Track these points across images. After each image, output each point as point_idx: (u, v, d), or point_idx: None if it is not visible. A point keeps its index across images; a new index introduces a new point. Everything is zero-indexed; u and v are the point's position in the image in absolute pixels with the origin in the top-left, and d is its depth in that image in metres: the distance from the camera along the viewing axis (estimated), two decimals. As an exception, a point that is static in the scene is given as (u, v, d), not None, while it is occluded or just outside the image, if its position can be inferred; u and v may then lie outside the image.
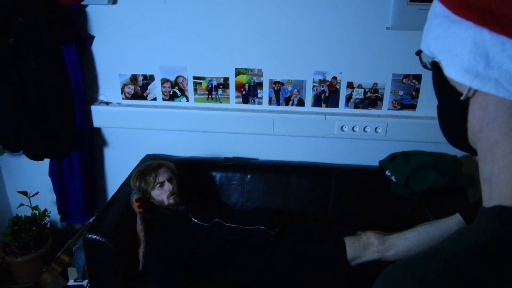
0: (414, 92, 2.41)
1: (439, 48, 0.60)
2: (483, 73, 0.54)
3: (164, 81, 2.56)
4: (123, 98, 2.64)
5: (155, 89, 2.59)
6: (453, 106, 0.61)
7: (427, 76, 2.36)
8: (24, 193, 2.72)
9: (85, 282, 2.57)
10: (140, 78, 2.57)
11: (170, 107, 2.59)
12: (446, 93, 0.62)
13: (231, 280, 2.00)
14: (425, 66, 0.68)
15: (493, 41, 0.52)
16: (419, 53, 0.68)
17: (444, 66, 0.59)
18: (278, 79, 2.47)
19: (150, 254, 2.08)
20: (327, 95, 2.47)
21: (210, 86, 2.54)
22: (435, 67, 0.63)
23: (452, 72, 0.58)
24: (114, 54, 2.53)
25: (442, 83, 0.62)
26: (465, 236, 0.53)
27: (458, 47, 0.56)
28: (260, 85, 2.49)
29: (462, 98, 0.58)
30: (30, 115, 2.39)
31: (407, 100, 2.43)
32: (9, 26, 2.26)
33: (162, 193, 2.21)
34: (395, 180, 2.36)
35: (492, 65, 0.53)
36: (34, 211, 2.73)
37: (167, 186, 2.21)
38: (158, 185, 2.21)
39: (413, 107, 2.44)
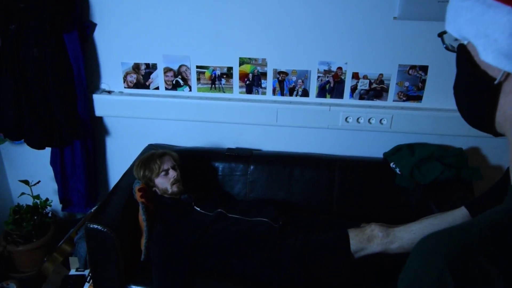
0: (420, 84, 2.38)
1: (473, 33, 0.59)
2: None
3: (167, 70, 2.54)
4: (125, 87, 2.61)
5: (158, 78, 2.57)
6: (483, 89, 0.60)
7: (434, 67, 2.33)
8: (26, 182, 2.71)
9: (86, 272, 2.56)
10: (143, 67, 2.55)
11: (173, 97, 2.57)
12: (476, 77, 0.61)
13: (234, 270, 1.99)
14: (447, 48, 0.67)
15: None
16: (442, 34, 0.67)
17: (481, 51, 0.58)
18: (283, 69, 2.44)
19: (153, 243, 2.07)
20: (332, 86, 2.44)
21: (213, 75, 2.51)
22: (463, 50, 0.62)
23: (489, 57, 0.57)
24: (117, 42, 2.50)
25: (472, 67, 0.61)
26: (500, 208, 0.54)
27: (497, 32, 0.55)
28: (264, 75, 2.47)
29: (496, 82, 0.58)
30: (31, 103, 2.37)
31: (413, 92, 2.40)
32: (11, 12, 2.23)
33: (166, 181, 2.22)
34: (399, 172, 2.34)
35: None
36: (36, 200, 2.72)
37: (172, 173, 2.22)
38: (163, 172, 2.22)
39: (419, 98, 2.41)
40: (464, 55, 0.63)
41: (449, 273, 0.48)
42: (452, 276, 0.47)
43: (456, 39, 0.65)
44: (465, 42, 0.62)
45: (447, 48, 0.67)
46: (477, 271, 0.47)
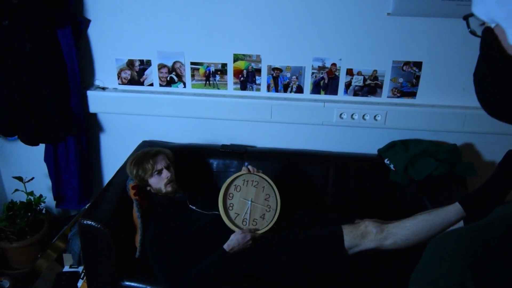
0: (414, 80, 2.38)
1: (504, 15, 0.55)
2: None
3: (161, 66, 2.53)
4: (119, 84, 2.60)
5: (152, 74, 2.56)
6: (510, 75, 0.57)
7: (428, 64, 2.33)
8: (19, 179, 2.70)
9: (80, 268, 2.56)
10: (137, 63, 2.54)
11: (167, 93, 2.56)
12: (503, 63, 0.57)
13: (230, 266, 1.98)
14: (472, 33, 0.63)
15: None
16: (467, 17, 0.63)
17: (510, 34, 0.55)
18: (277, 65, 2.44)
19: (148, 241, 2.06)
20: (326, 82, 2.44)
21: (207, 72, 2.50)
22: (489, 34, 0.59)
23: None
24: (111, 38, 2.49)
25: (498, 52, 0.57)
26: None
27: None
28: (258, 71, 2.46)
29: None
30: (25, 99, 2.36)
31: (407, 88, 2.41)
32: (4, 8, 2.22)
33: (159, 181, 2.18)
34: (393, 169, 2.34)
35: None
36: (29, 196, 2.71)
37: (165, 173, 2.17)
38: (156, 172, 2.17)
39: (413, 94, 2.42)
40: (490, 39, 0.59)
41: (470, 276, 0.46)
42: (474, 280, 0.46)
43: (481, 24, 0.61)
44: (492, 25, 0.59)
45: (471, 32, 0.63)
46: (499, 275, 0.45)
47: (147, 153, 2.23)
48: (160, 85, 2.58)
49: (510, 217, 0.51)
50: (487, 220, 0.52)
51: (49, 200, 2.82)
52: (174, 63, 2.51)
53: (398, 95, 2.42)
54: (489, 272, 0.46)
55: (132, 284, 2.06)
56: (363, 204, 2.41)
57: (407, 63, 2.35)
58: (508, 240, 0.47)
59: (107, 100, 2.59)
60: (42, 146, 2.62)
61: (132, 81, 2.59)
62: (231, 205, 2.12)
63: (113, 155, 2.79)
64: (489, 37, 0.59)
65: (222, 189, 2.12)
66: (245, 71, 2.47)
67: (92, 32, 2.49)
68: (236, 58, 2.45)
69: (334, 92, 2.46)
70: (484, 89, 0.64)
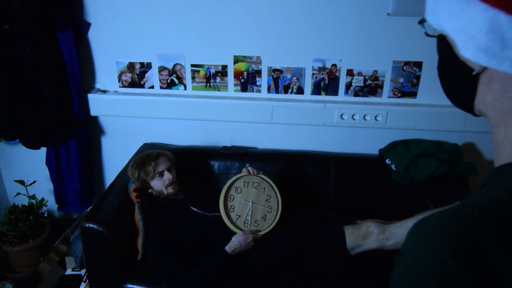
0: (414, 80, 2.38)
1: (453, 28, 0.60)
2: (500, 54, 0.55)
3: (161, 68, 2.53)
4: (120, 86, 2.61)
5: (153, 77, 2.56)
6: (463, 79, 0.63)
7: (428, 63, 2.33)
8: (21, 182, 2.70)
9: (83, 272, 2.56)
10: (137, 66, 2.54)
11: (168, 95, 2.57)
12: (456, 68, 0.63)
13: (231, 268, 1.98)
14: (427, 34, 0.68)
15: (509, 24, 0.53)
16: (422, 22, 0.68)
17: (460, 46, 0.60)
18: (277, 67, 2.44)
19: (149, 243, 2.06)
20: (327, 83, 2.44)
21: (208, 73, 2.51)
22: (443, 41, 0.64)
23: (468, 53, 0.59)
24: (111, 41, 2.49)
25: (452, 57, 0.63)
26: (494, 188, 0.55)
27: (475, 29, 0.57)
28: (258, 72, 2.46)
29: (473, 73, 0.60)
30: (26, 102, 2.37)
31: (407, 88, 2.41)
32: (4, 12, 2.22)
33: (161, 183, 2.18)
34: (395, 169, 2.34)
35: (508, 46, 0.54)
36: (31, 200, 2.71)
37: (167, 176, 2.17)
38: (158, 175, 2.17)
39: (413, 94, 2.41)
40: (444, 45, 0.64)
41: (454, 254, 0.47)
42: (459, 258, 0.46)
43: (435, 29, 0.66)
44: (445, 33, 0.64)
45: (427, 34, 0.68)
46: (485, 254, 0.46)
47: (149, 155, 2.23)
48: (161, 88, 2.58)
49: (480, 200, 0.54)
50: (463, 203, 0.54)
51: (51, 203, 2.82)
52: (175, 65, 2.52)
53: (399, 95, 2.42)
54: (475, 251, 0.47)
55: (134, 286, 2.06)
56: (364, 204, 2.41)
57: (407, 63, 2.35)
58: (488, 219, 0.49)
59: (108, 103, 2.59)
60: (43, 150, 2.62)
61: (133, 84, 2.59)
62: (232, 207, 2.12)
63: (114, 157, 2.79)
64: (443, 43, 0.65)
65: (222, 191, 2.12)
66: (245, 72, 2.47)
67: (93, 35, 2.50)
68: (237, 60, 2.45)
69: (335, 92, 2.46)
70: (445, 84, 0.70)
